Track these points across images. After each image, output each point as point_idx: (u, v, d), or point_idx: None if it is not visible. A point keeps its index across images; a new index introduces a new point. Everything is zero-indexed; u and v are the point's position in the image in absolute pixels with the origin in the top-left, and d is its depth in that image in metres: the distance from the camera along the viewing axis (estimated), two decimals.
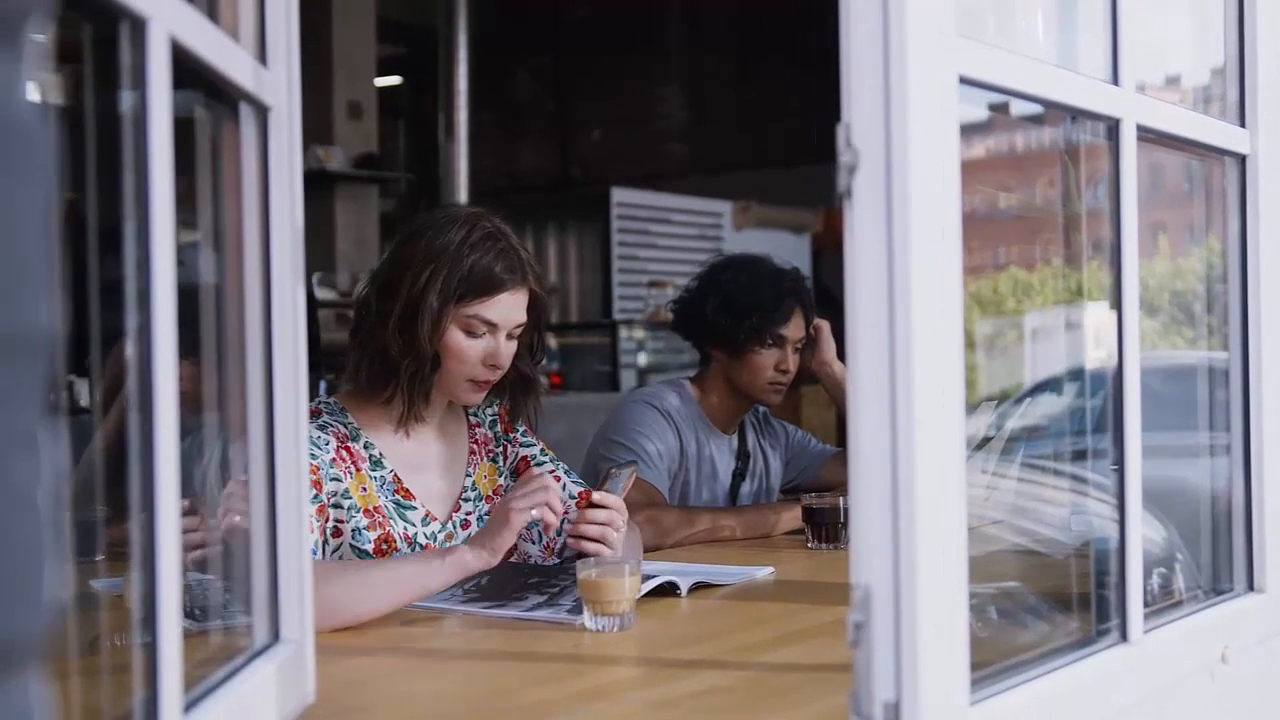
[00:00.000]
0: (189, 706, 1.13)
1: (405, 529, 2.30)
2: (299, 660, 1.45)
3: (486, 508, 2.44)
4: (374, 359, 2.29)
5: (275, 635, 1.42)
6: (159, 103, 1.05)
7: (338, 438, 2.27)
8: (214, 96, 1.33)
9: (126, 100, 1.05)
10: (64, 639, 1.09)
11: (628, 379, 7.60)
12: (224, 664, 1.32)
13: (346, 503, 2.24)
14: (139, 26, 1.03)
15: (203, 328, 1.38)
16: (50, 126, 0.61)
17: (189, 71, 1.15)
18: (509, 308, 2.30)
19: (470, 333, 2.28)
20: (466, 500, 2.43)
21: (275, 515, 1.42)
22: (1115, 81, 1.60)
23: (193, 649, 1.17)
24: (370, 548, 2.25)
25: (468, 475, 2.44)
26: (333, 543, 2.21)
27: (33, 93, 0.61)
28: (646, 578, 2.12)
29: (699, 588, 2.28)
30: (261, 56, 1.40)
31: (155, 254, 1.04)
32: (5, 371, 0.58)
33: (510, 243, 2.31)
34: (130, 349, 1.05)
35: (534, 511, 2.08)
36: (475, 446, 2.48)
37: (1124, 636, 1.59)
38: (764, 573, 2.45)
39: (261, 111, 1.40)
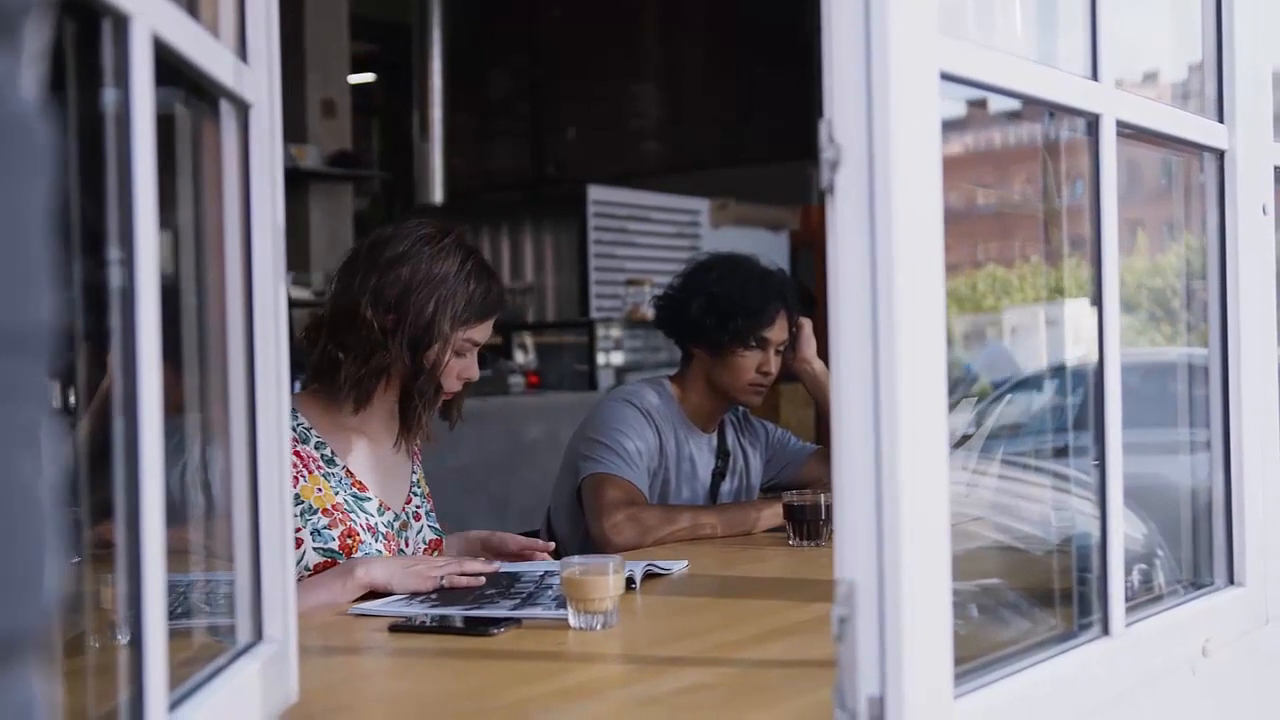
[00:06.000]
0: (173, 705, 1.13)
1: (366, 520, 2.39)
2: (282, 659, 1.44)
3: (429, 505, 2.58)
4: (375, 375, 2.37)
5: (259, 634, 1.42)
6: (142, 100, 1.04)
7: None
8: (194, 93, 1.33)
9: (108, 97, 1.04)
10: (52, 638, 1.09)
11: (605, 378, 7.58)
12: (207, 663, 1.31)
13: (299, 507, 2.29)
14: (121, 23, 1.02)
15: (183, 329, 1.38)
16: (49, 123, 0.61)
17: (169, 68, 1.15)
18: (491, 328, 2.48)
19: (458, 353, 2.42)
20: (415, 494, 2.55)
21: (258, 515, 1.41)
22: (1095, 77, 1.60)
23: (174, 648, 1.16)
24: (335, 545, 2.33)
25: (414, 473, 2.57)
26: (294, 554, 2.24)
27: (31, 89, 0.61)
28: None
29: (649, 577, 2.34)
30: (242, 53, 1.39)
31: (139, 253, 1.04)
32: (9, 366, 0.58)
33: (493, 269, 2.50)
34: (112, 350, 1.05)
35: (441, 581, 2.21)
36: (416, 450, 2.60)
37: (1106, 630, 1.60)
38: (679, 566, 2.48)
39: (242, 109, 1.39)
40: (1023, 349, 2.37)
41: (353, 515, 2.36)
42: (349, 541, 2.33)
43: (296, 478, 2.30)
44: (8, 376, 0.59)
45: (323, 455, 2.39)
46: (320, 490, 2.34)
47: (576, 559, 2.04)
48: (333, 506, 2.34)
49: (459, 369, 2.42)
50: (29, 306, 0.60)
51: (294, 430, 2.35)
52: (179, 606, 1.40)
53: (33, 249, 0.59)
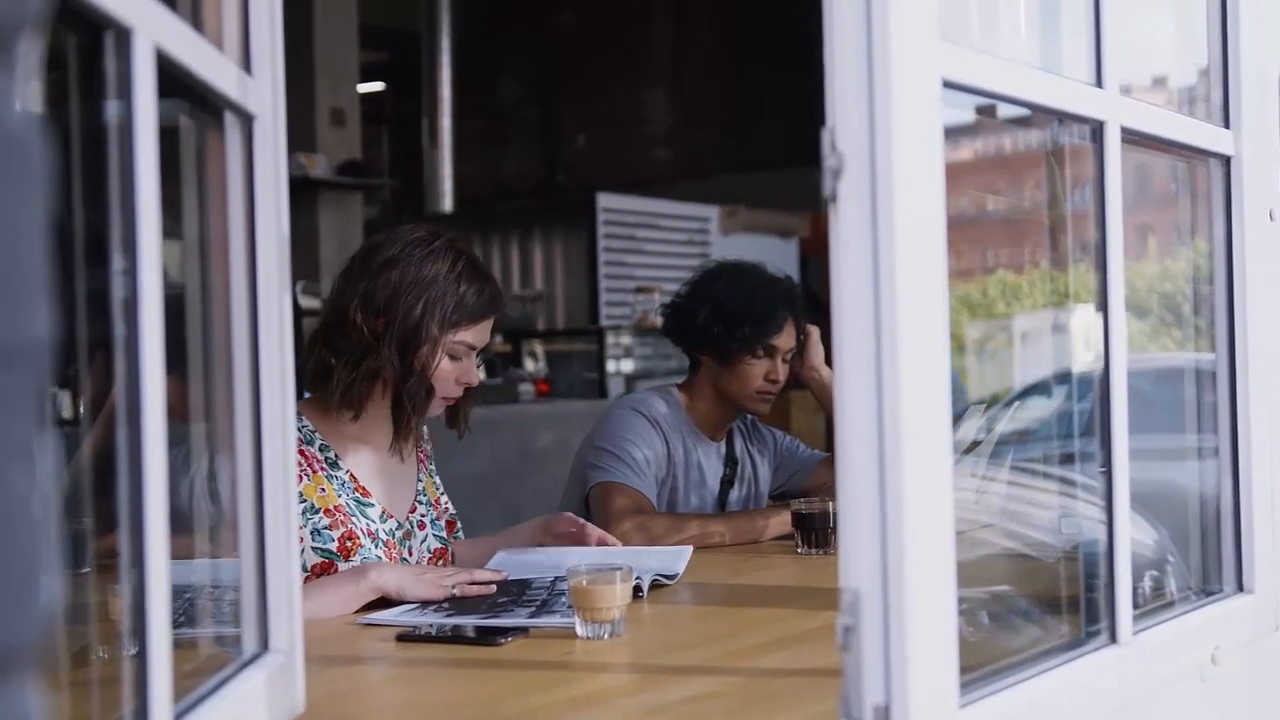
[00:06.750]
0: (178, 716, 1.13)
1: (367, 525, 2.39)
2: (288, 670, 1.44)
3: (435, 513, 2.57)
4: (366, 379, 2.37)
5: (264, 645, 1.42)
6: (144, 112, 1.04)
7: None
8: (198, 105, 1.33)
9: (111, 109, 1.05)
10: (55, 650, 1.09)
11: (615, 386, 7.58)
12: (213, 673, 1.31)
13: (301, 505, 2.29)
14: (124, 36, 1.03)
15: (188, 339, 1.38)
16: (44, 138, 0.62)
17: (173, 80, 1.15)
18: (487, 332, 2.46)
19: (453, 357, 2.41)
20: (421, 503, 2.55)
21: (263, 526, 1.42)
22: (1099, 84, 1.60)
23: (180, 658, 1.16)
24: (334, 546, 2.33)
25: (419, 481, 2.56)
26: (300, 565, 2.25)
27: (27, 104, 0.61)
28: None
29: (656, 586, 2.34)
30: (246, 65, 1.40)
31: (141, 264, 1.04)
32: (5, 381, 0.59)
33: (488, 271, 2.48)
34: (116, 360, 1.05)
35: (453, 590, 2.22)
36: (422, 457, 2.60)
37: (1113, 638, 1.59)
38: (684, 556, 2.51)
39: (246, 120, 1.39)
40: (1032, 355, 2.37)
41: (354, 519, 2.36)
42: (348, 544, 2.33)
43: (300, 476, 2.30)
44: (3, 391, 0.59)
45: (327, 458, 2.39)
46: (323, 490, 2.35)
47: (584, 567, 2.04)
48: (334, 508, 2.34)
49: (456, 373, 2.41)
50: (25, 321, 0.60)
51: (299, 432, 2.35)
52: (183, 615, 1.40)
53: (29, 264, 0.60)
